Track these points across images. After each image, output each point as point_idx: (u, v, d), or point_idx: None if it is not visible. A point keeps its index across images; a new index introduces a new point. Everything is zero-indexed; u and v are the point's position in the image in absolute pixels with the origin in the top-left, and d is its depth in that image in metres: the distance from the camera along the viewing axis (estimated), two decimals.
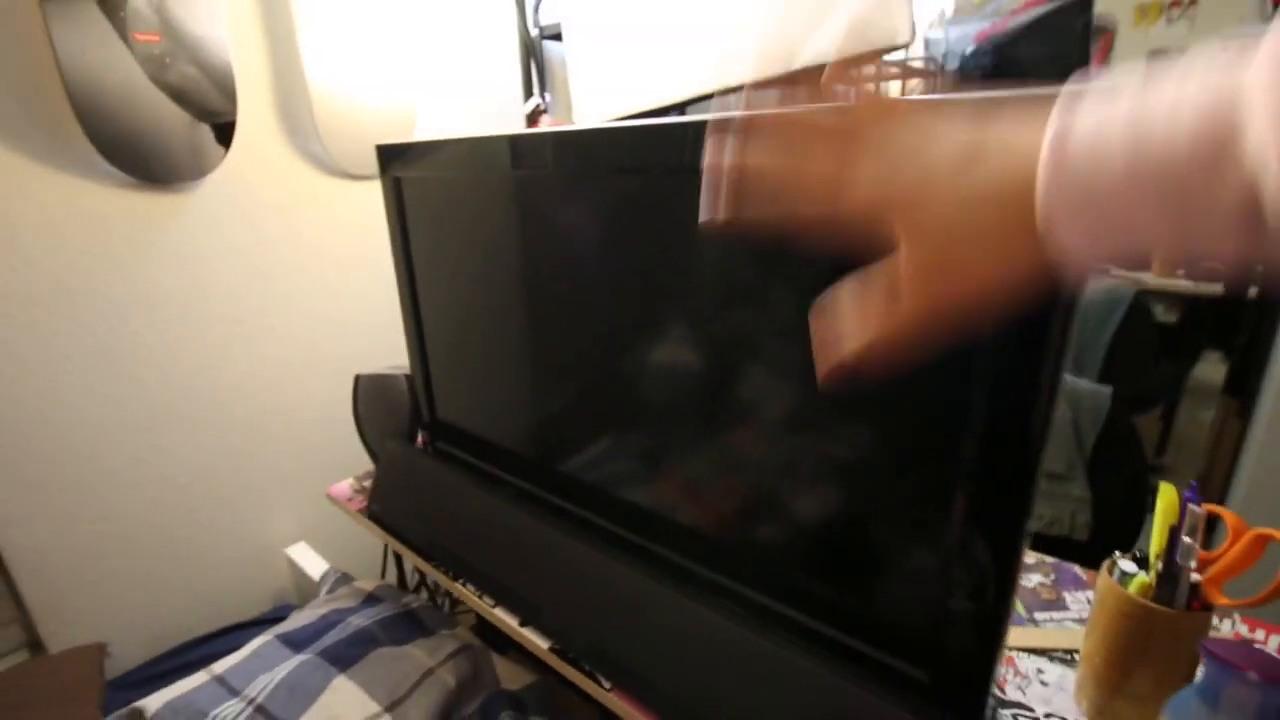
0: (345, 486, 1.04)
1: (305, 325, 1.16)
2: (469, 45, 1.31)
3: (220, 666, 0.82)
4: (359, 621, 0.89)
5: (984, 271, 0.26)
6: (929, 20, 2.68)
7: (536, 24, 1.36)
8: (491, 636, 0.92)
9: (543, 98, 1.35)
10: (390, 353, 1.28)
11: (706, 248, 0.58)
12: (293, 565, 1.14)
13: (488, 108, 1.35)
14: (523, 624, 0.74)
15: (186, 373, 1.05)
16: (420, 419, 0.97)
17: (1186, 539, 0.50)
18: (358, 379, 1.00)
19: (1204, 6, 2.91)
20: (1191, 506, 0.50)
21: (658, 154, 0.57)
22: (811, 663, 0.53)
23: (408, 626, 0.90)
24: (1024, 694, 0.61)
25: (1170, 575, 0.51)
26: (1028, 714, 0.59)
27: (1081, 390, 1.16)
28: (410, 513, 0.91)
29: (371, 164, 1.15)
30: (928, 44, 2.43)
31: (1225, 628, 0.67)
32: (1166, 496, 0.53)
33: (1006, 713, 0.59)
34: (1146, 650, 0.52)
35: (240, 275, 1.06)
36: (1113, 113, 0.23)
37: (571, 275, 0.71)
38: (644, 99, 1.15)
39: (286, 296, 1.13)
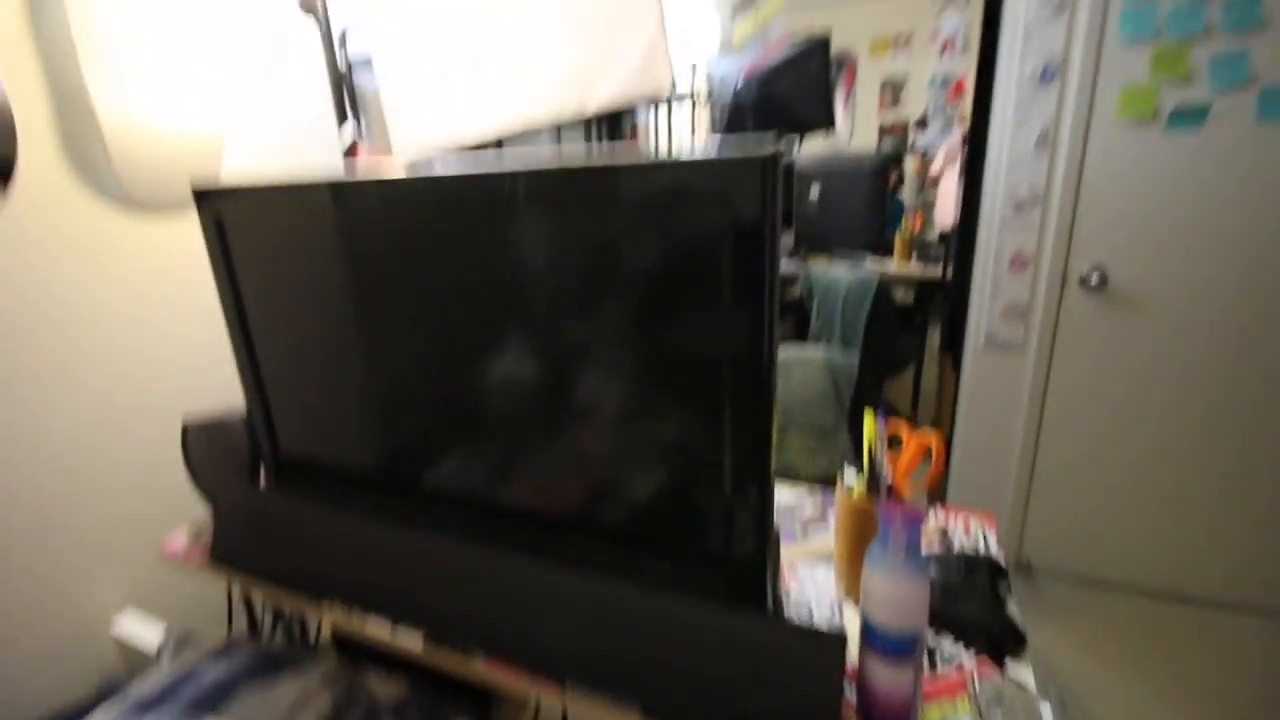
0: (181, 538, 1.00)
1: (115, 373, 1.09)
2: (276, 72, 1.30)
3: None
4: (217, 673, 0.88)
5: None
6: (709, 48, 3.05)
7: (345, 54, 1.39)
8: (357, 659, 0.96)
9: (358, 127, 1.38)
10: (217, 393, 1.23)
11: (519, 272, 0.71)
12: (121, 635, 1.06)
13: (299, 136, 1.35)
14: (395, 623, 0.80)
15: None
16: (262, 456, 0.98)
17: (878, 450, 0.72)
18: (186, 425, 0.98)
19: (915, 43, 3.67)
20: (880, 425, 0.73)
21: (477, 194, 0.69)
22: (646, 597, 0.68)
23: (270, 668, 0.91)
24: (804, 590, 0.82)
25: (873, 478, 0.73)
26: (808, 603, 0.79)
27: (838, 362, 1.46)
28: (261, 551, 0.92)
29: (178, 195, 1.12)
30: (709, 76, 2.78)
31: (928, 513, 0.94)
32: (869, 422, 0.75)
33: (791, 606, 0.79)
34: (866, 534, 0.73)
35: (30, 326, 0.98)
36: None
37: (402, 304, 0.80)
38: (459, 134, 1.25)
39: (89, 344, 1.05)
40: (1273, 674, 1.50)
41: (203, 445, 0.98)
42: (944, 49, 2.31)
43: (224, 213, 0.87)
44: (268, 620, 1.09)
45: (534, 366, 0.74)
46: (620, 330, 0.68)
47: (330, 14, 1.32)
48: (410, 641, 0.78)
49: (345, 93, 1.35)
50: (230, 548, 0.93)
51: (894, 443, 0.77)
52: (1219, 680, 1.49)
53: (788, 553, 0.88)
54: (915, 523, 0.56)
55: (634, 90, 1.02)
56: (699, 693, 0.64)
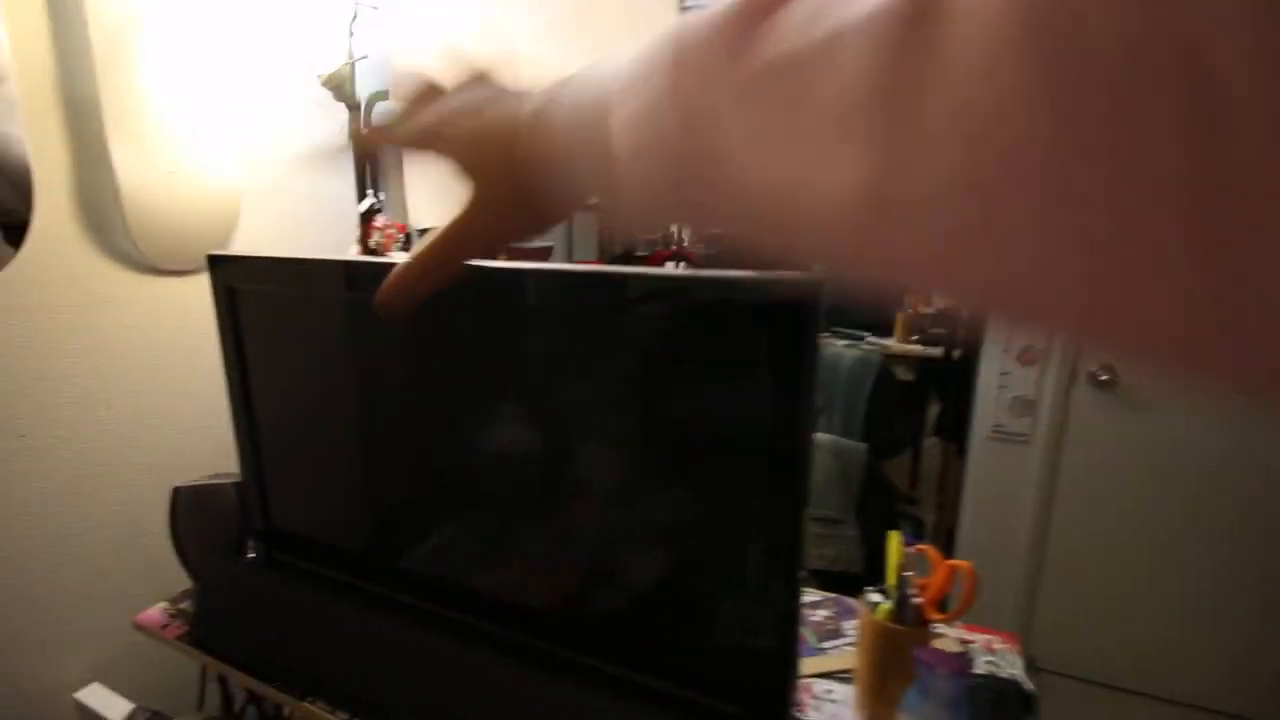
0: (157, 612, 0.94)
1: (104, 434, 1.05)
2: (297, 141, 1.32)
3: None
4: None
5: (485, 192, 0.37)
6: None
7: (368, 123, 1.40)
8: None
9: (376, 197, 1.39)
10: (207, 460, 1.19)
11: (538, 372, 0.69)
12: (84, 712, 0.99)
13: (317, 204, 1.35)
14: None
15: None
16: (252, 529, 0.94)
17: (907, 574, 0.69)
18: (176, 491, 0.94)
19: None
20: (907, 549, 0.70)
21: (490, 291, 0.68)
22: (646, 714, 0.64)
23: None
24: (819, 712, 0.77)
25: (901, 602, 0.70)
26: None
27: (845, 447, 1.44)
28: (244, 632, 0.86)
29: (189, 259, 1.11)
30: None
31: (951, 632, 0.90)
32: (893, 542, 0.72)
33: None
34: (892, 661, 0.70)
35: (23, 383, 0.94)
36: (576, 87, 0.29)
37: (409, 386, 0.77)
38: None
39: (80, 403, 1.02)
40: None
41: (192, 513, 0.94)
42: None
43: (237, 281, 0.86)
44: (241, 703, 1.02)
45: (546, 462, 0.71)
46: (654, 431, 0.66)
47: (357, 85, 1.35)
48: None
49: (367, 164, 1.37)
50: (212, 626, 0.88)
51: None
52: None
53: (803, 667, 0.84)
54: (959, 674, 0.53)
55: None
56: None
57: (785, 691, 0.61)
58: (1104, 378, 1.57)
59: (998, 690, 0.74)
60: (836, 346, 2.38)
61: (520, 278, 0.67)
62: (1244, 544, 1.57)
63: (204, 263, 1.09)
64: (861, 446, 1.42)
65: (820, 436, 1.43)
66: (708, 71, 0.20)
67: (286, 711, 1.11)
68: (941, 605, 0.72)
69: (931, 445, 2.43)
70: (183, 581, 0.98)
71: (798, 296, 0.53)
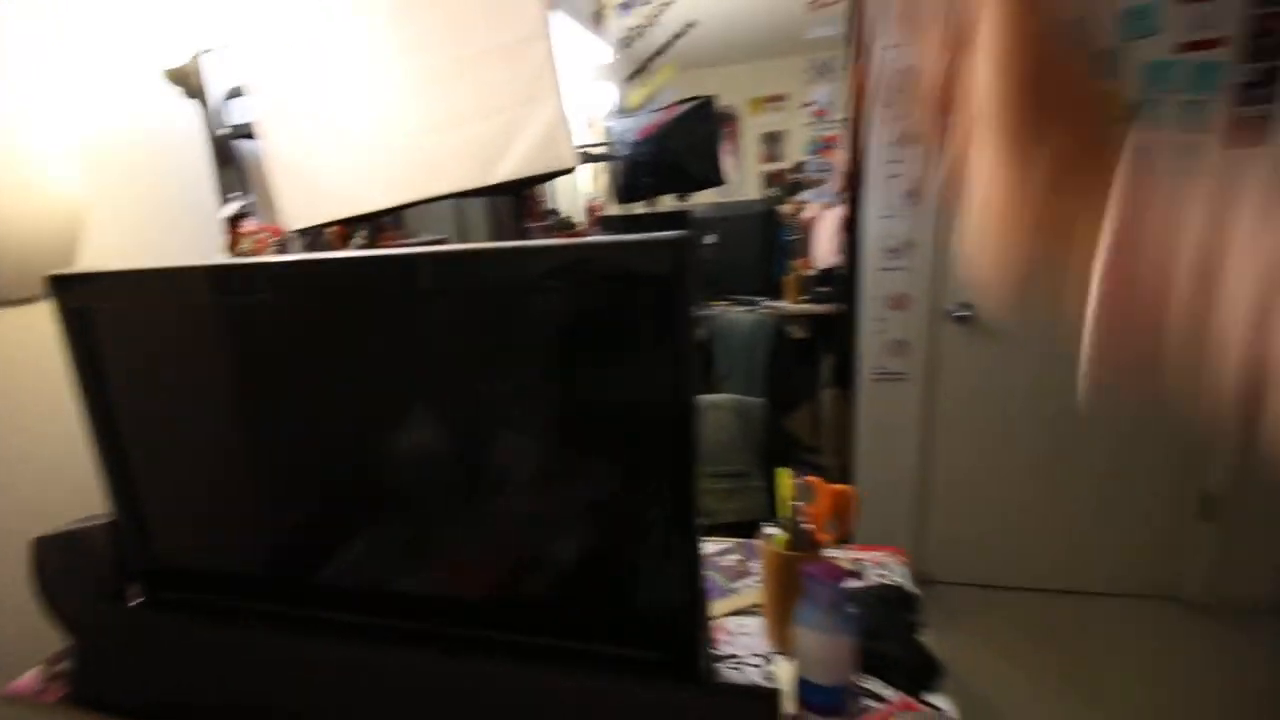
0: (31, 679, 0.87)
1: None
2: (146, 144, 1.21)
3: None
4: None
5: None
6: (607, 110, 3.16)
7: (224, 122, 1.31)
8: None
9: (243, 200, 1.30)
10: (72, 503, 1.09)
11: (427, 356, 0.69)
12: None
13: (177, 210, 1.25)
14: None
15: None
16: (132, 570, 0.87)
17: (796, 503, 0.76)
18: (38, 543, 0.86)
19: (789, 104, 3.98)
20: (796, 482, 0.76)
21: (370, 278, 0.67)
22: (578, 681, 0.66)
23: None
24: (734, 645, 0.83)
25: (794, 531, 0.76)
26: (738, 660, 0.80)
27: (746, 405, 1.52)
28: (138, 681, 0.81)
29: (25, 287, 1.00)
30: (607, 130, 2.88)
31: (843, 554, 0.98)
32: (783, 478, 0.78)
33: (723, 664, 0.80)
34: (790, 585, 0.76)
35: None
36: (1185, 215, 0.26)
37: (296, 393, 0.75)
38: (353, 205, 1.20)
39: None
40: (1145, 648, 1.68)
41: (59, 563, 0.86)
42: (816, 117, 2.54)
43: (89, 302, 0.79)
44: None
45: (448, 452, 0.71)
46: (545, 407, 0.67)
47: (208, 82, 1.25)
48: None
49: (228, 164, 1.28)
50: (98, 682, 0.81)
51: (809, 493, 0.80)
52: (1103, 658, 1.65)
53: (715, 608, 0.89)
54: (838, 580, 0.59)
55: (536, 165, 1.04)
56: None
57: (698, 632, 0.66)
58: (962, 315, 1.74)
59: (881, 594, 0.83)
60: (733, 312, 2.49)
61: (392, 263, 0.66)
62: (1102, 446, 1.79)
63: (39, 292, 1.00)
64: (760, 402, 1.51)
65: (721, 397, 1.50)
66: None
67: None
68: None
69: (828, 396, 2.59)
70: (57, 642, 0.90)
71: (667, 254, 0.56)
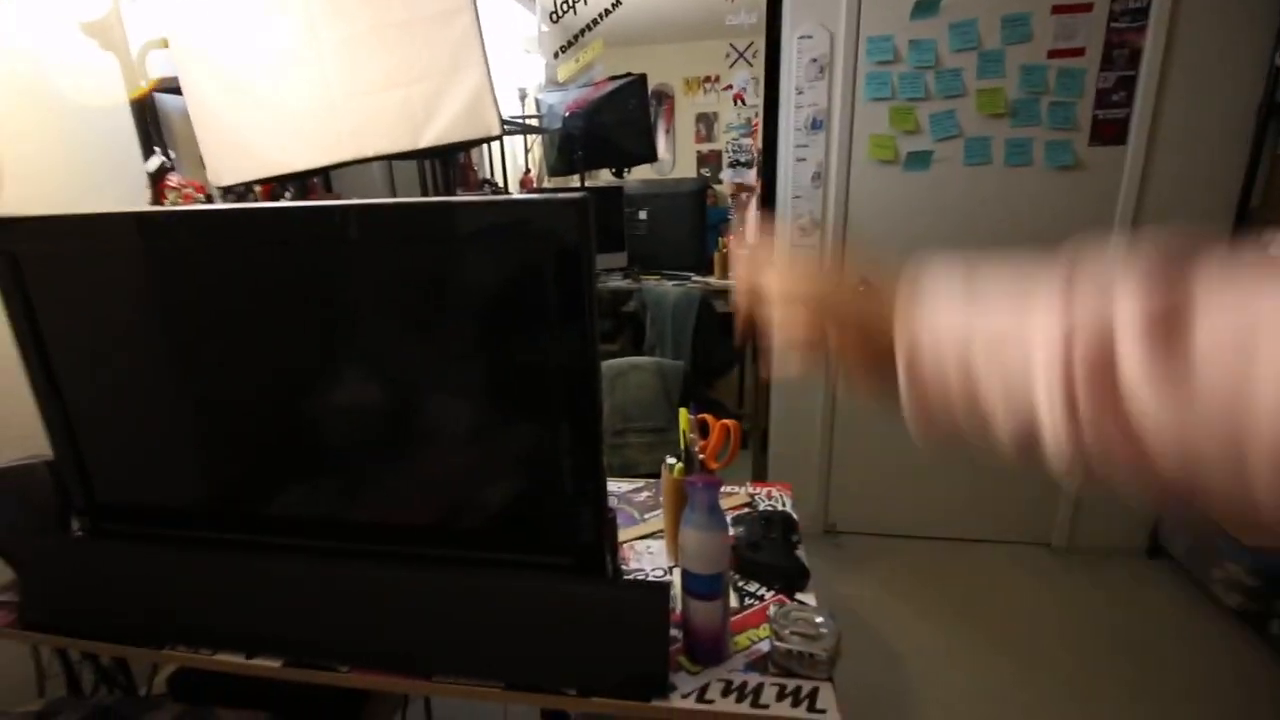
0: None
1: None
2: (65, 99, 1.20)
3: None
4: None
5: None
6: (537, 84, 3.18)
7: (145, 75, 1.31)
8: (200, 700, 0.93)
9: (166, 155, 1.30)
10: (13, 444, 1.10)
11: (354, 300, 0.77)
12: None
13: (97, 165, 1.25)
14: (250, 656, 0.80)
15: None
16: (73, 505, 0.92)
17: (691, 435, 0.88)
18: None
19: (722, 84, 4.07)
20: (692, 417, 0.88)
21: (304, 229, 0.74)
22: (500, 581, 0.77)
23: None
24: (641, 563, 0.95)
25: (688, 459, 0.89)
26: (643, 572, 0.92)
27: (666, 366, 1.64)
28: (83, 606, 0.86)
29: None
30: (538, 103, 2.91)
31: (739, 488, 1.12)
32: (683, 415, 0.90)
33: (630, 575, 0.92)
34: (684, 506, 0.88)
35: None
36: (946, 329, 0.36)
37: (229, 335, 0.81)
38: (282, 164, 1.24)
39: None
40: (1020, 586, 1.93)
41: (1, 498, 0.90)
42: (736, 100, 2.67)
43: (16, 246, 0.82)
44: (88, 680, 1.00)
45: (373, 391, 0.80)
46: (460, 352, 0.77)
47: (129, 35, 1.25)
48: (268, 667, 0.79)
49: (149, 120, 1.28)
50: (45, 606, 0.86)
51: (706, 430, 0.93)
52: (984, 596, 1.88)
53: (627, 534, 1.02)
54: (713, 487, 0.71)
55: (463, 131, 1.11)
56: (553, 660, 0.74)
57: (604, 541, 0.77)
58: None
59: (767, 516, 0.97)
60: (664, 285, 2.61)
61: (322, 214, 0.73)
62: None
63: None
64: (679, 363, 1.63)
65: (644, 359, 1.62)
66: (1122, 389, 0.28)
67: (145, 684, 1.10)
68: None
69: (752, 365, 2.76)
70: (4, 572, 0.93)
71: (570, 211, 0.66)
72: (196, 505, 0.89)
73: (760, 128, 2.04)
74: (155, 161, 1.29)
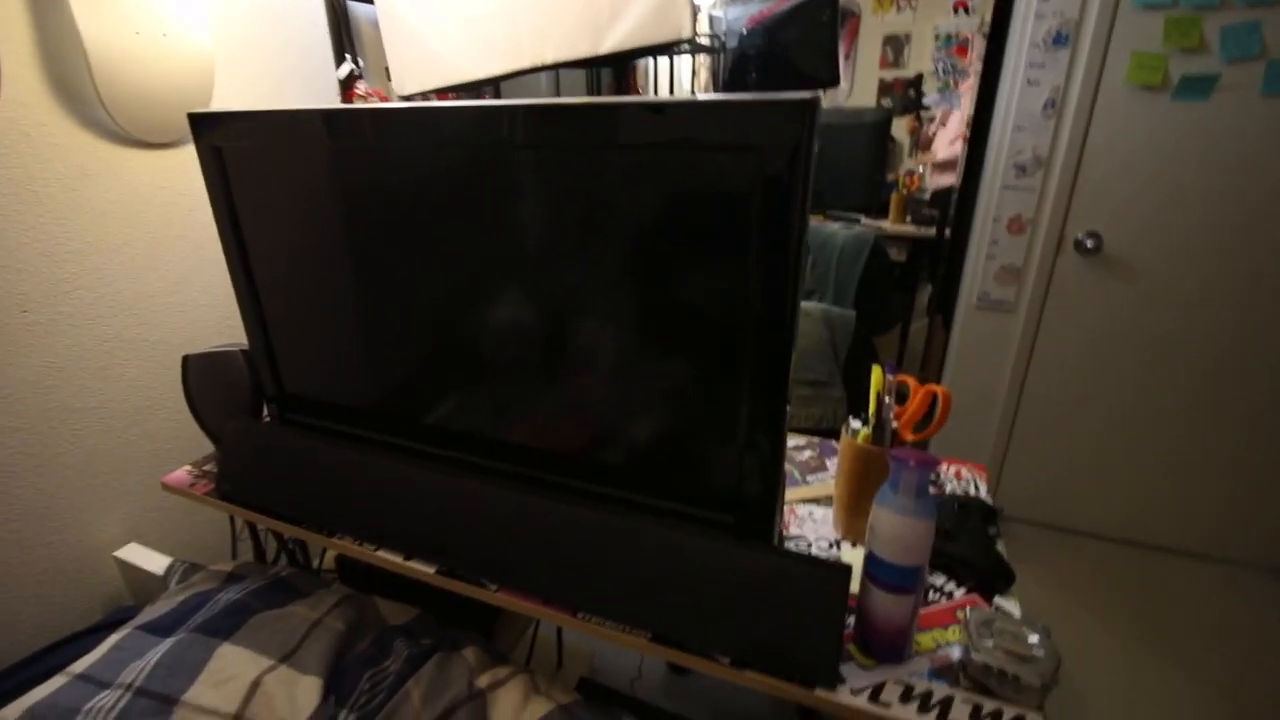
0: (183, 474, 1.00)
1: (110, 309, 1.07)
2: (268, 4, 1.24)
3: (79, 666, 0.79)
4: (230, 597, 0.90)
5: None
6: (711, 1, 2.96)
7: None
8: (363, 586, 0.98)
9: (355, 63, 1.33)
10: (216, 329, 1.22)
11: (527, 212, 0.70)
12: (125, 566, 1.07)
13: (294, 71, 1.30)
14: (407, 557, 0.82)
15: None
16: (265, 393, 0.98)
17: (886, 399, 0.75)
18: (186, 360, 0.97)
19: (921, 2, 3.58)
20: (889, 376, 0.75)
21: (481, 131, 0.68)
22: (658, 530, 0.70)
23: (282, 592, 0.93)
24: (803, 529, 0.85)
25: (879, 425, 0.76)
26: (805, 540, 0.83)
27: (835, 316, 1.47)
28: (269, 485, 0.92)
29: (169, 130, 1.08)
30: (712, 21, 2.70)
31: None
32: (876, 374, 0.77)
33: (790, 543, 0.82)
34: (868, 478, 0.76)
35: (20, 259, 0.95)
36: None
37: (407, 241, 0.79)
38: (461, 72, 1.20)
39: (82, 279, 1.03)
40: (1239, 623, 1.61)
41: (203, 380, 0.98)
42: (956, 8, 2.27)
43: (222, 141, 0.84)
44: (272, 550, 1.10)
45: (547, 309, 0.74)
46: (647, 275, 0.68)
47: None
48: (424, 568, 0.80)
49: (342, 29, 1.30)
50: (237, 482, 0.94)
51: (900, 396, 0.79)
52: (1187, 622, 1.59)
53: (789, 495, 0.92)
54: (927, 468, 0.58)
55: (650, 34, 0.99)
56: (707, 621, 0.67)
57: (769, 508, 0.68)
58: (1090, 245, 1.59)
59: (963, 501, 0.82)
60: (831, 227, 2.38)
61: (505, 114, 0.66)
62: (1204, 404, 1.65)
63: (185, 136, 1.07)
64: (850, 314, 1.46)
65: (811, 305, 1.46)
66: None
67: (317, 559, 1.20)
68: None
69: (920, 327, 2.48)
70: (204, 448, 1.03)
71: (794, 117, 0.53)
72: (366, 405, 0.91)
73: (975, 44, 1.71)
74: (345, 69, 1.32)
